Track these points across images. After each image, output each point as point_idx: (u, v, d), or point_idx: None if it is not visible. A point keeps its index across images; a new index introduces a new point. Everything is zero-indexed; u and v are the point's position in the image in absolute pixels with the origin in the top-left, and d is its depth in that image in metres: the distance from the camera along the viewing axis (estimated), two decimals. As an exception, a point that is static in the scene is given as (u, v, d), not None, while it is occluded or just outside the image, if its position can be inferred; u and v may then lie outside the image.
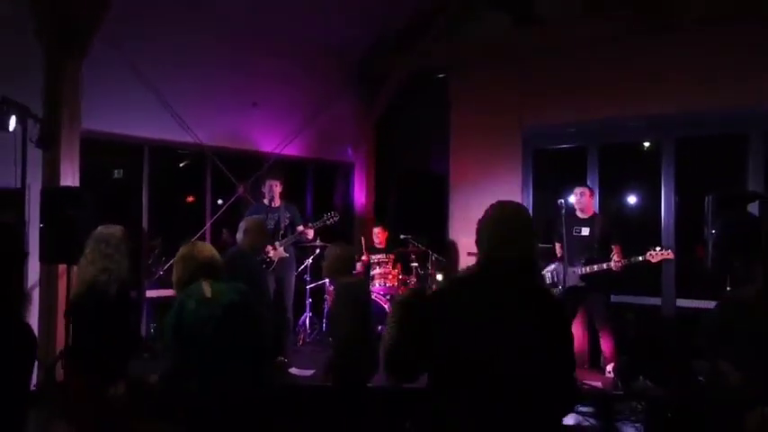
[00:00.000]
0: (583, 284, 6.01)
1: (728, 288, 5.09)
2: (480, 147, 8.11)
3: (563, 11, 7.43)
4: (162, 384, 3.42)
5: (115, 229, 3.79)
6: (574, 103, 7.41)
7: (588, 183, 7.46)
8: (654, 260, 5.87)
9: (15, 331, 2.23)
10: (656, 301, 7.01)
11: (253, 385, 3.26)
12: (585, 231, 6.05)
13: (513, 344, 2.17)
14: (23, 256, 2.38)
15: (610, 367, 6.08)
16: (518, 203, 2.52)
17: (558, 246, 6.45)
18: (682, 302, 6.86)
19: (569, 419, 5.35)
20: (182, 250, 3.49)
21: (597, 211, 6.54)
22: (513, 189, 7.84)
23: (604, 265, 5.98)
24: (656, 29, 6.70)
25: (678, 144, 7.05)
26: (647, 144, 7.59)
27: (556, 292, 6.04)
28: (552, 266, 6.30)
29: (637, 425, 5.48)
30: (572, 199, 6.36)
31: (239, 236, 5.29)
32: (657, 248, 5.88)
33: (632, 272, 7.15)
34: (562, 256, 6.21)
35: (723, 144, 7.07)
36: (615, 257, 5.96)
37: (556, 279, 6.21)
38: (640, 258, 5.92)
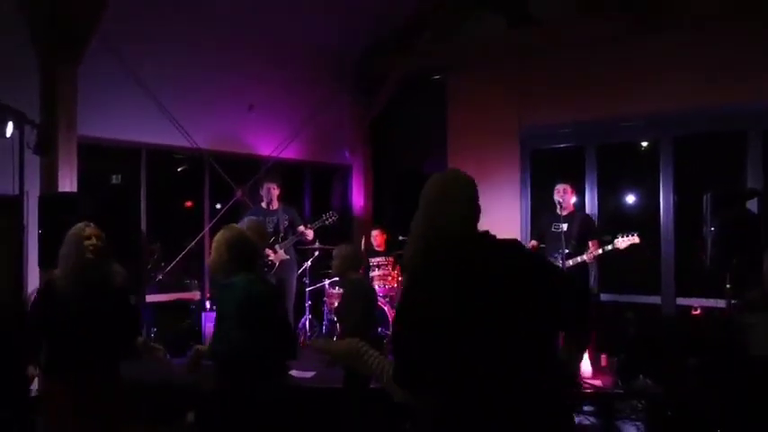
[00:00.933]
0: None
1: (728, 285, 5.11)
2: (478, 147, 8.12)
3: (558, 11, 7.44)
4: (218, 364, 3.53)
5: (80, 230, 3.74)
6: (571, 103, 7.43)
7: (586, 182, 7.50)
8: (622, 246, 5.92)
9: None
10: (656, 299, 7.03)
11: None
12: (564, 227, 6.07)
13: (488, 301, 2.05)
14: None
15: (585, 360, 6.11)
16: (453, 171, 2.44)
17: (532, 243, 6.53)
18: (682, 300, 6.88)
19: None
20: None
21: (578, 208, 6.56)
22: (511, 189, 7.86)
23: (579, 258, 6.02)
24: (652, 28, 6.71)
25: (676, 142, 7.07)
26: (644, 144, 7.60)
27: None
28: None
29: (637, 423, 5.49)
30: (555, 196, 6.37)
31: None
32: (625, 235, 5.91)
33: (630, 269, 7.19)
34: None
35: (721, 142, 7.09)
36: (590, 249, 6.00)
37: None
38: (609, 247, 5.96)
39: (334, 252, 4.82)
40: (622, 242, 5.91)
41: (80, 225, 3.74)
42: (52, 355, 3.69)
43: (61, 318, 3.61)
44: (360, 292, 4.67)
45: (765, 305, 2.82)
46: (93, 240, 3.65)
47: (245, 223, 4.58)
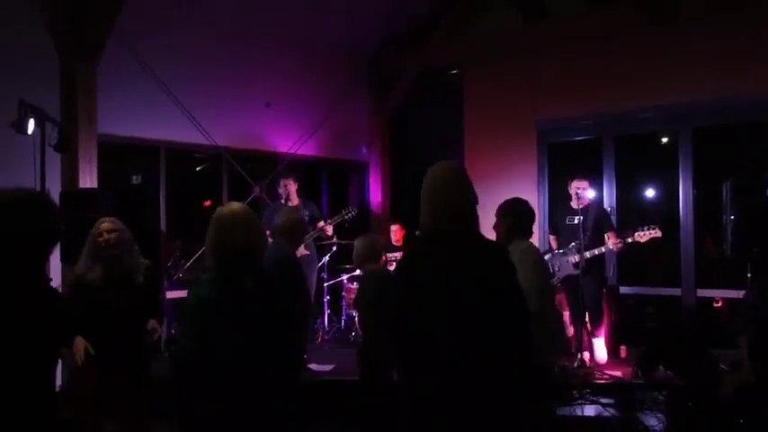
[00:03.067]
0: (577, 272, 5.99)
1: (749, 275, 5.04)
2: (495, 142, 8.11)
3: (573, 4, 7.41)
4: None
5: (96, 228, 3.80)
6: (588, 96, 7.40)
7: (604, 174, 7.46)
8: (643, 240, 5.86)
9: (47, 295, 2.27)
10: (677, 291, 6.96)
11: None
12: (577, 220, 6.02)
13: (456, 302, 2.27)
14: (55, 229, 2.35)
15: (595, 341, 6.07)
16: (453, 165, 2.64)
17: (552, 238, 6.51)
18: (702, 292, 6.81)
19: (590, 410, 5.33)
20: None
21: (593, 201, 6.48)
22: (528, 183, 7.82)
23: (596, 251, 5.96)
24: (668, 18, 6.65)
25: (695, 134, 7.00)
26: (664, 140, 7.51)
27: (553, 282, 6.09)
28: (547, 256, 6.28)
29: (659, 415, 5.44)
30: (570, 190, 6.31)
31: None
32: (645, 228, 5.85)
33: (650, 261, 7.14)
34: (555, 247, 6.32)
35: (740, 132, 7.01)
36: (612, 241, 5.94)
37: (551, 269, 6.21)
38: (630, 240, 5.89)
39: (355, 243, 4.78)
40: (643, 235, 5.85)
41: (98, 223, 3.81)
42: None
43: (85, 311, 3.66)
44: (375, 284, 4.60)
45: None
46: (105, 236, 3.71)
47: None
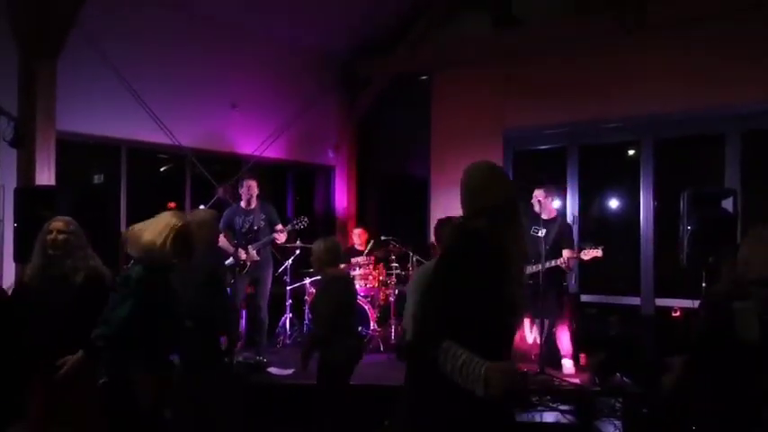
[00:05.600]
0: (533, 282, 6.08)
1: (704, 284, 5.17)
2: (461, 148, 8.15)
3: (542, 12, 7.53)
4: None
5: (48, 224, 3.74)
6: (555, 104, 7.51)
7: (568, 183, 7.56)
8: (586, 258, 5.96)
9: None
10: (636, 300, 7.10)
11: None
12: (542, 232, 6.09)
13: None
14: None
15: (567, 363, 6.15)
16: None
17: None
18: (660, 302, 6.95)
19: (549, 417, 5.39)
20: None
21: (560, 214, 6.55)
22: (494, 190, 7.87)
23: (553, 262, 6.05)
24: (635, 31, 6.78)
25: (656, 144, 7.15)
26: (631, 152, 7.63)
27: None
28: None
29: (615, 422, 5.52)
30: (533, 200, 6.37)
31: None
32: (588, 247, 5.99)
33: (610, 271, 7.25)
34: None
35: (701, 144, 7.19)
36: (566, 256, 6.04)
37: None
38: (575, 257, 6.03)
39: (314, 245, 4.75)
40: (587, 254, 5.98)
41: (51, 220, 3.74)
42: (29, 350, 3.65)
43: (26, 312, 3.61)
44: (334, 288, 4.56)
45: (737, 296, 2.84)
46: (54, 234, 3.63)
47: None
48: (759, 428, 2.68)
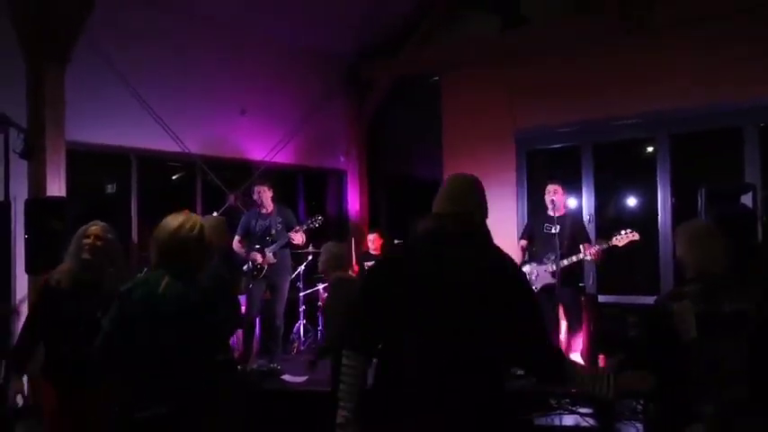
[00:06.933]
0: (554, 281, 6.02)
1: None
2: (473, 149, 8.13)
3: (552, 10, 7.48)
4: None
5: (85, 227, 3.66)
6: (567, 103, 7.45)
7: (583, 182, 7.50)
8: (621, 243, 5.88)
9: None
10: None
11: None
12: (555, 229, 6.04)
13: (448, 296, 2.34)
14: None
15: (572, 356, 6.07)
16: (469, 176, 2.74)
17: (522, 242, 6.54)
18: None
19: (568, 420, 5.33)
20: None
21: (570, 210, 6.53)
22: (507, 191, 7.85)
23: (574, 258, 5.98)
24: (646, 26, 6.72)
25: (673, 141, 7.07)
26: (650, 149, 7.54)
27: None
28: (527, 267, 6.31)
29: (637, 425, 5.45)
30: (546, 197, 6.32)
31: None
32: (623, 231, 5.89)
33: (629, 270, 7.18)
34: (527, 254, 6.40)
35: (718, 139, 7.09)
36: (588, 251, 5.96)
37: (530, 278, 6.26)
38: (605, 245, 5.93)
39: (321, 250, 4.82)
40: (622, 239, 5.87)
41: (89, 224, 3.69)
42: (47, 358, 3.61)
43: (54, 318, 3.54)
44: (341, 292, 4.58)
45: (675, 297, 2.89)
46: (91, 240, 3.58)
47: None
48: (699, 422, 2.74)
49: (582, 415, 5.43)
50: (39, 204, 5.26)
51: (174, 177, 7.99)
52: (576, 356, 6.10)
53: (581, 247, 6.00)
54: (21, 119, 5.48)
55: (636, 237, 5.86)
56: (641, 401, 5.39)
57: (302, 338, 7.34)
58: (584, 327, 6.22)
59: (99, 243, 3.59)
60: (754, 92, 6.34)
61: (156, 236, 2.95)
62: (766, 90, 6.31)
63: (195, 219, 3.02)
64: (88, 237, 3.59)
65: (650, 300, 6.87)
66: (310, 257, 7.44)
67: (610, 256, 6.14)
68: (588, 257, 5.98)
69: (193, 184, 7.54)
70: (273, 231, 6.63)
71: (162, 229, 2.94)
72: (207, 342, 2.99)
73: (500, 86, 7.97)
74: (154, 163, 7.31)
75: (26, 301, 5.71)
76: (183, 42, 7.04)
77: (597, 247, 5.97)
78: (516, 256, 6.70)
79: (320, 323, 7.41)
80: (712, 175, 6.90)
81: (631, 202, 7.86)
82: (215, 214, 6.98)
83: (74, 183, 5.95)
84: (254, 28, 7.51)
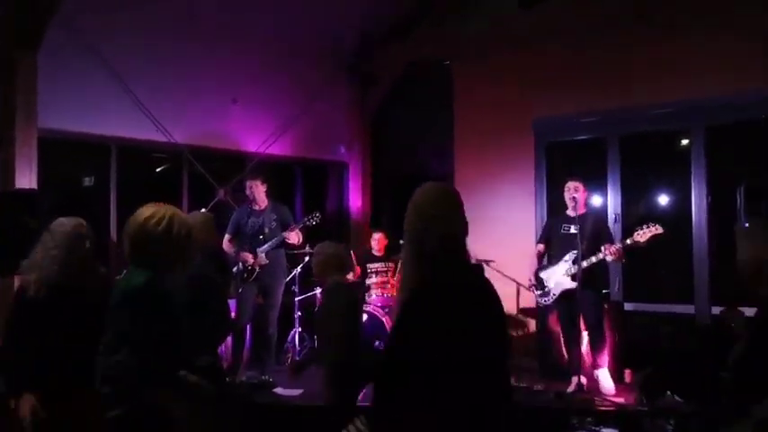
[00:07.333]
0: (573, 286, 5.93)
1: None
2: (488, 142, 8.05)
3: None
4: None
5: (65, 223, 3.62)
6: (590, 91, 7.36)
7: (608, 177, 7.40)
8: (643, 239, 5.77)
9: None
10: (690, 308, 6.90)
11: None
12: (573, 229, 5.95)
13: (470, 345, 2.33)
14: None
15: (603, 373, 5.99)
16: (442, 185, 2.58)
17: (538, 247, 6.51)
18: (718, 310, 6.73)
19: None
20: None
21: (591, 209, 6.48)
22: (525, 187, 7.76)
23: (594, 258, 5.89)
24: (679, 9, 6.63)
25: (708, 132, 6.95)
26: (684, 141, 7.44)
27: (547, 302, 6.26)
28: (543, 274, 6.24)
29: (666, 446, 5.36)
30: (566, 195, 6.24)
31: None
32: (644, 226, 5.79)
33: (659, 275, 7.07)
34: (543, 257, 6.42)
35: (760, 132, 6.96)
36: (608, 251, 5.87)
37: (544, 286, 6.22)
38: (628, 242, 5.83)
39: (315, 250, 4.74)
40: (644, 234, 5.76)
41: (76, 222, 3.64)
42: (34, 371, 3.53)
43: (46, 327, 3.49)
44: (338, 297, 4.49)
45: None
46: (88, 244, 3.62)
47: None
48: None
49: (606, 434, 5.37)
50: (8, 197, 5.21)
51: (157, 170, 7.94)
52: (606, 378, 6.01)
53: (602, 247, 5.90)
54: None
55: (659, 230, 5.75)
56: (671, 420, 5.32)
57: (297, 348, 7.27)
58: (607, 337, 6.14)
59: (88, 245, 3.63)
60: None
61: (125, 228, 2.98)
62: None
63: (165, 211, 3.00)
64: (82, 237, 3.58)
65: (683, 308, 6.84)
66: (307, 259, 7.37)
67: (637, 260, 6.05)
68: (609, 257, 5.88)
69: (179, 176, 7.49)
70: (267, 230, 6.57)
71: (131, 220, 2.97)
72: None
73: (517, 73, 7.87)
74: (135, 153, 7.25)
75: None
76: (168, 26, 6.98)
77: (618, 245, 5.87)
78: (533, 262, 6.63)
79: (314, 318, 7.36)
80: (753, 171, 6.77)
81: (662, 200, 7.74)
82: (202, 210, 6.94)
83: (47, 174, 5.92)
84: (247, 8, 7.43)
